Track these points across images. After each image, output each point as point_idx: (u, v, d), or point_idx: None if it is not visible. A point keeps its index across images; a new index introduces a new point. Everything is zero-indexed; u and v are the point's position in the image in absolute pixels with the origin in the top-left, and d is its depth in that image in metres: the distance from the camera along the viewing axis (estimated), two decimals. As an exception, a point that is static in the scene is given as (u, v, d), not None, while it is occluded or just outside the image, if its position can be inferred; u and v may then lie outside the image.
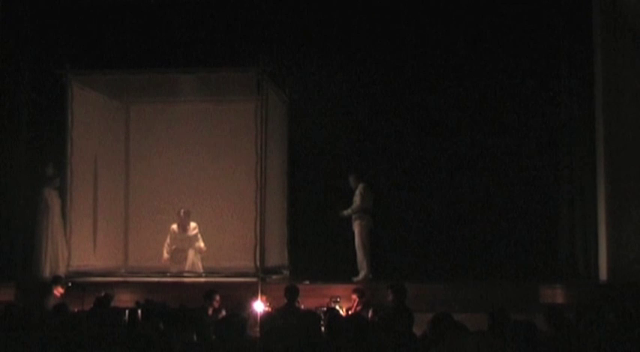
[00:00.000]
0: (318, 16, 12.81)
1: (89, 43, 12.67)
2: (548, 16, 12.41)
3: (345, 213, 11.96)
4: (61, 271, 11.48)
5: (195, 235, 12.50)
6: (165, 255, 12.53)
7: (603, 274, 11.62)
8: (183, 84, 12.07)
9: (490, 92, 12.61)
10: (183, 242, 12.51)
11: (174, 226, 12.55)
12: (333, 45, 12.82)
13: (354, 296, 9.75)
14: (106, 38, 12.79)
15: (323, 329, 6.64)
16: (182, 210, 12.48)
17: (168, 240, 12.54)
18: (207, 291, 9.38)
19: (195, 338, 6.35)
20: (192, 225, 12.57)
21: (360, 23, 12.84)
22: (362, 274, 11.68)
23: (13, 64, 12.75)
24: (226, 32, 12.77)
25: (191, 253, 12.45)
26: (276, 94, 12.30)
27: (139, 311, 7.58)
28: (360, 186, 11.98)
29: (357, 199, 11.91)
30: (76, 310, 8.92)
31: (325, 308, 9.05)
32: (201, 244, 12.47)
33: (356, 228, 11.91)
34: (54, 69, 11.71)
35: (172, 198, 12.73)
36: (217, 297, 9.27)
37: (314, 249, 12.64)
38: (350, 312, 9.24)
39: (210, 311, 9.04)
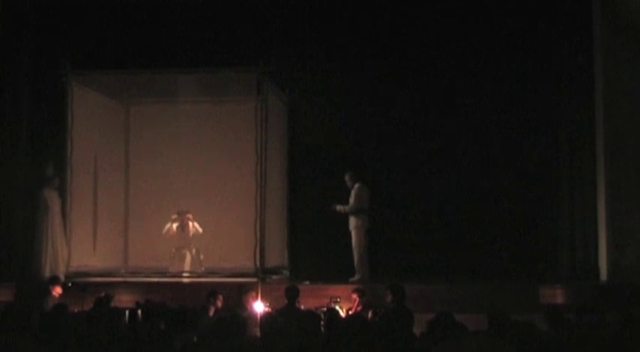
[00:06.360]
0: (318, 16, 12.81)
1: (89, 43, 12.67)
2: (548, 16, 12.40)
3: (338, 207, 11.92)
4: (61, 271, 11.49)
5: (196, 234, 12.53)
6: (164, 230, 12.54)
7: (603, 274, 11.63)
8: (183, 84, 12.07)
9: (490, 93, 12.61)
10: (183, 242, 12.51)
11: (174, 225, 12.57)
12: (333, 45, 12.81)
13: (355, 296, 9.75)
14: (105, 38, 12.78)
15: (323, 329, 6.63)
16: (181, 211, 12.49)
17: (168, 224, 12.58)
18: (211, 291, 9.39)
19: (195, 338, 6.35)
20: (192, 224, 12.57)
21: (360, 23, 12.84)
22: (357, 276, 11.67)
23: (14, 64, 12.76)
24: (226, 32, 12.77)
25: (190, 253, 12.45)
26: (276, 94, 12.29)
27: (139, 311, 7.58)
28: (356, 186, 11.95)
29: (351, 200, 11.90)
30: (76, 310, 8.93)
31: (325, 309, 9.05)
32: (198, 228, 12.47)
33: (352, 228, 11.89)
34: (54, 69, 11.71)
35: (172, 198, 12.72)
36: (220, 297, 9.29)
37: (314, 249, 12.64)
38: (350, 312, 9.24)
39: (212, 311, 9.05)
